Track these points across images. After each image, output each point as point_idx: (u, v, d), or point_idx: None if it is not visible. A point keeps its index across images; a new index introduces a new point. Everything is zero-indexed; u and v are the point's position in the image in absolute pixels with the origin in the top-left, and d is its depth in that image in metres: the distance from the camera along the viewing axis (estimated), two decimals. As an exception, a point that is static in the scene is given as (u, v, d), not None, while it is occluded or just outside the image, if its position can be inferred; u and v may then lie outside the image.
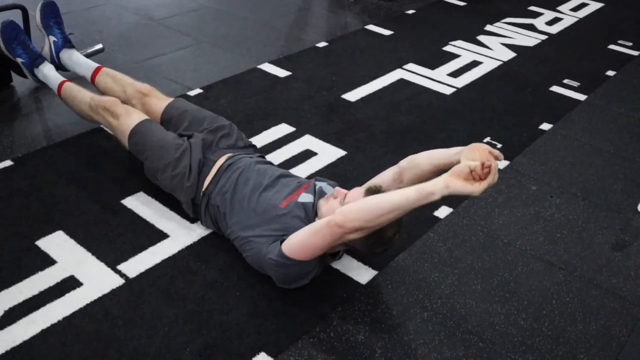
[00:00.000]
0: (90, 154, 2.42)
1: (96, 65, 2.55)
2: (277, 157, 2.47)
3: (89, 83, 2.55)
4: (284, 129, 2.66)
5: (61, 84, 2.48)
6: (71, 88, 2.44)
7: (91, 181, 2.27)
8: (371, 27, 3.85)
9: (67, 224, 2.05)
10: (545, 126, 2.89)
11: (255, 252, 1.84)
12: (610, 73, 3.47)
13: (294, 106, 2.86)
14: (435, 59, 3.48)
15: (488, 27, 3.99)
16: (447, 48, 3.63)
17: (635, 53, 3.77)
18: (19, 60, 2.62)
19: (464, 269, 2.02)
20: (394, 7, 4.24)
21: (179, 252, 1.97)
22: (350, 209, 1.67)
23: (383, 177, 1.94)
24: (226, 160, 2.06)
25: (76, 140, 2.50)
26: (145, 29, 3.59)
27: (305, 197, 1.89)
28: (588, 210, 2.35)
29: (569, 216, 2.31)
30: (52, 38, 2.66)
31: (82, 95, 2.38)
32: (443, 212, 2.25)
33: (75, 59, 2.65)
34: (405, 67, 3.36)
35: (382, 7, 4.23)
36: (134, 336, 1.68)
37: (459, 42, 3.71)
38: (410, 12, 4.17)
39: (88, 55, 3.06)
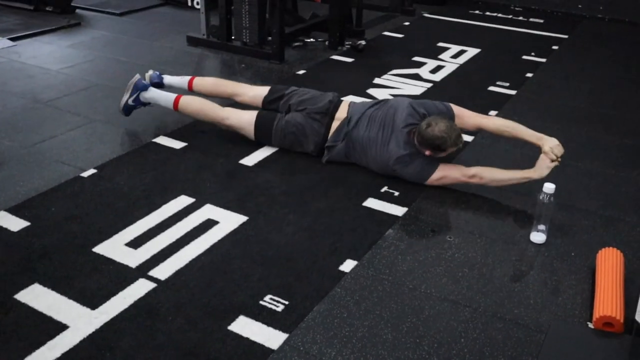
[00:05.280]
0: (-22, 250, 2.29)
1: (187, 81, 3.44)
2: (177, 230, 2.44)
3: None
4: (183, 201, 2.64)
5: (177, 99, 3.24)
6: (187, 102, 3.24)
7: (-21, 279, 2.14)
8: (264, 90, 3.91)
9: (-46, 329, 1.92)
10: (438, 170, 3.01)
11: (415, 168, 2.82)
12: (492, 112, 3.68)
13: (192, 177, 2.84)
14: (329, 115, 3.57)
15: (376, 80, 4.17)
16: (339, 104, 3.74)
17: (512, 92, 4.04)
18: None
19: (374, 320, 2.04)
20: (284, 69, 4.35)
21: (80, 342, 1.88)
22: (485, 173, 2.75)
23: (463, 121, 2.94)
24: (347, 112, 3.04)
25: (-39, 237, 2.37)
26: (32, 112, 3.49)
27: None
28: (485, 246, 2.46)
29: (468, 254, 2.40)
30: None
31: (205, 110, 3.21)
32: (348, 265, 2.28)
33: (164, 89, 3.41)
34: (300, 126, 3.43)
35: (273, 70, 4.34)
36: None
37: (350, 97, 3.83)
38: (301, 72, 4.30)
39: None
